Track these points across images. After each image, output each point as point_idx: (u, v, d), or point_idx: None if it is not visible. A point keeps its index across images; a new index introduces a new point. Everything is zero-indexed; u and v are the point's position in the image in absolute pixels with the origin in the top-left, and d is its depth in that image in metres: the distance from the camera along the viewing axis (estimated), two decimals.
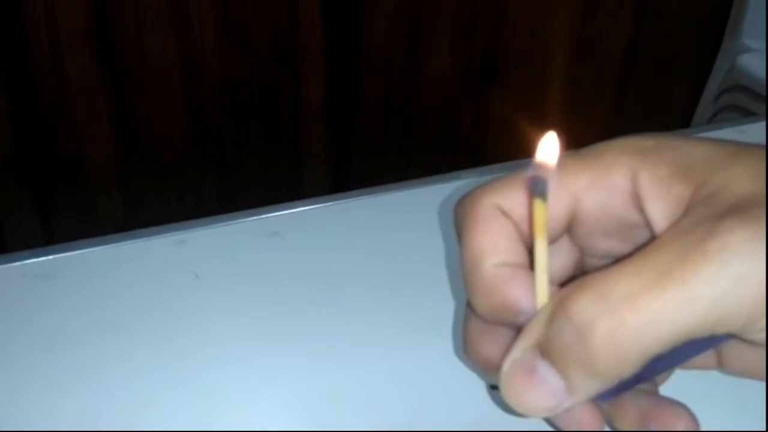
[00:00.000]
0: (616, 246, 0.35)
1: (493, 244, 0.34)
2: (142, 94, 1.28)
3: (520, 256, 0.34)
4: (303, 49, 1.35)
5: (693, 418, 0.34)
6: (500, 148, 1.63)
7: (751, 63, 1.57)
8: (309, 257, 0.60)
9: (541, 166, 0.33)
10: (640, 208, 0.33)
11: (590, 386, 0.29)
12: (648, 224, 0.32)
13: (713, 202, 0.29)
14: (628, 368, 0.28)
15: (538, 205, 0.32)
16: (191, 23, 1.26)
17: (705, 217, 0.29)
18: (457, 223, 0.36)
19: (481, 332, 0.36)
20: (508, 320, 0.33)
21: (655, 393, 0.36)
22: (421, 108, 1.51)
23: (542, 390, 0.30)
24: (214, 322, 0.54)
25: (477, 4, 1.44)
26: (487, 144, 1.62)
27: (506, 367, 0.31)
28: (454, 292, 0.57)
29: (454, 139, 1.59)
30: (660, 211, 0.32)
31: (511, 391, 0.31)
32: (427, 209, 0.64)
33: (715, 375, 0.40)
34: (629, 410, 0.35)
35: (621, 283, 0.28)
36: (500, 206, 0.34)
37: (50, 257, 0.59)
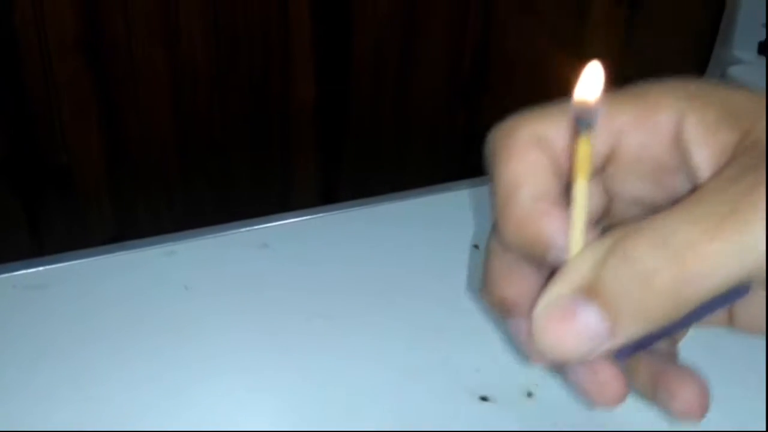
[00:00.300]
0: (648, 191, 0.34)
1: (530, 174, 0.32)
2: (133, 102, 1.28)
3: (557, 192, 0.32)
4: (293, 55, 1.35)
5: (703, 386, 0.34)
6: None
7: (742, 74, 1.58)
8: (299, 269, 0.60)
9: (586, 101, 0.31)
10: (683, 152, 0.32)
11: (636, 331, 0.29)
12: (690, 169, 0.32)
13: (758, 151, 0.29)
14: (680, 313, 0.28)
15: (583, 142, 0.30)
16: (181, 31, 1.26)
17: (750, 166, 0.28)
18: (493, 150, 0.35)
19: (504, 273, 0.35)
20: (536, 255, 0.32)
21: (672, 353, 0.36)
22: (411, 113, 1.51)
23: (582, 332, 0.29)
24: (203, 333, 0.54)
25: (468, 9, 1.45)
26: (479, 150, 1.63)
27: (542, 307, 0.30)
28: (447, 299, 0.57)
29: (446, 145, 1.59)
30: (705, 157, 0.31)
31: (545, 333, 0.30)
32: (417, 220, 0.64)
33: (715, 375, 0.40)
34: (642, 371, 0.35)
35: (681, 231, 0.28)
36: (541, 136, 0.33)
37: (40, 268, 0.58)
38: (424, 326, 0.55)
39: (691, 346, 0.51)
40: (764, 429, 0.48)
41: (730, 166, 0.29)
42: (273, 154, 1.45)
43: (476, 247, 0.62)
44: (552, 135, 0.33)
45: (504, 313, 0.36)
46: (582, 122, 0.30)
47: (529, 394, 0.51)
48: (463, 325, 0.55)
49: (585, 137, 0.30)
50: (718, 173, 0.30)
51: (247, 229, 0.63)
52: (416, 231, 0.63)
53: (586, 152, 0.30)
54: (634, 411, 0.50)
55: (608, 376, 0.33)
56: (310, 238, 0.63)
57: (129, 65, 1.25)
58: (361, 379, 0.51)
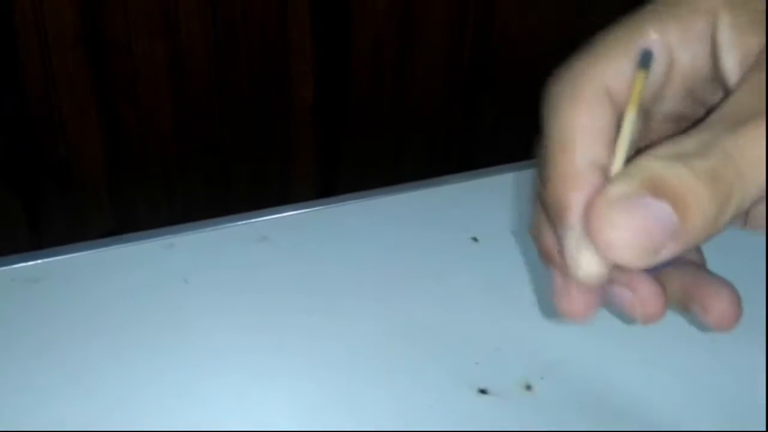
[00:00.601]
0: (683, 106, 0.33)
1: (590, 132, 0.31)
2: (132, 98, 1.28)
3: (611, 151, 0.31)
4: (293, 53, 1.35)
5: (734, 295, 0.33)
6: (491, 151, 1.63)
7: None
8: (298, 262, 0.60)
9: (648, 35, 0.30)
10: (715, 58, 0.31)
11: (702, 232, 0.27)
12: (721, 75, 0.31)
13: None
14: (737, 214, 0.27)
15: (639, 77, 0.30)
16: (180, 27, 1.26)
17: None
18: (555, 95, 0.32)
19: (545, 221, 0.34)
20: (560, 221, 0.31)
21: (701, 261, 0.36)
22: (410, 110, 1.51)
23: (652, 226, 0.27)
24: (203, 326, 0.54)
25: (467, 6, 1.44)
26: (477, 147, 1.63)
27: (604, 200, 0.27)
28: (445, 297, 0.57)
29: (444, 141, 1.59)
30: (734, 62, 0.30)
31: (608, 227, 0.27)
32: (416, 213, 0.64)
33: (714, 378, 0.40)
34: (674, 283, 0.34)
35: (723, 138, 0.27)
36: (608, 87, 0.31)
37: (39, 261, 0.58)
38: (423, 319, 0.55)
39: (692, 346, 0.52)
40: (764, 429, 0.48)
41: (759, 70, 0.28)
42: (272, 150, 1.45)
43: (475, 239, 0.62)
44: (618, 85, 0.31)
45: (545, 261, 0.34)
46: (643, 56, 0.30)
47: (528, 387, 0.51)
48: (463, 319, 0.55)
49: (642, 73, 0.30)
50: (742, 80, 0.29)
51: (246, 222, 0.63)
52: (415, 224, 0.63)
53: (640, 86, 0.30)
54: (633, 406, 0.50)
55: (648, 292, 0.32)
56: (309, 231, 0.63)
57: (128, 61, 1.25)
58: (360, 371, 0.51)
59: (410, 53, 1.45)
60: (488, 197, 0.67)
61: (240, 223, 0.63)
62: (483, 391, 0.50)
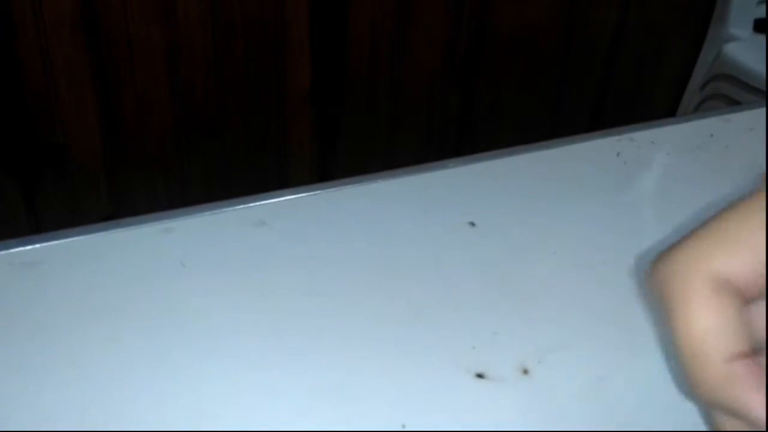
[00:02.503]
0: None
1: (719, 329, 0.29)
2: (129, 82, 1.28)
3: (748, 339, 0.29)
4: (289, 35, 1.35)
5: None
6: (487, 135, 1.63)
7: (737, 52, 1.58)
8: (296, 246, 0.60)
9: None
10: None
11: None
12: None
13: None
14: None
15: None
16: (178, 12, 1.25)
17: None
18: (667, 294, 0.31)
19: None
20: (738, 416, 0.30)
21: None
22: (407, 94, 1.50)
23: None
24: (200, 310, 0.54)
25: None
26: (473, 130, 1.62)
27: None
28: (445, 282, 0.57)
29: (441, 125, 1.59)
30: None
31: None
32: (413, 197, 0.64)
33: None
34: None
35: None
36: (721, 275, 0.29)
37: (37, 245, 0.58)
38: (420, 303, 0.55)
39: None
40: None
41: None
42: (269, 134, 1.45)
43: (472, 224, 0.62)
44: (734, 271, 0.29)
45: None
46: None
47: (525, 372, 0.51)
48: (459, 303, 0.55)
49: None
50: None
51: (244, 206, 0.63)
52: (412, 208, 0.63)
53: None
54: (630, 391, 0.50)
55: None
56: (307, 215, 0.63)
57: (126, 46, 1.25)
58: (356, 355, 0.51)
59: (407, 38, 1.45)
60: (485, 182, 0.67)
61: (237, 207, 0.63)
62: (480, 376, 0.50)
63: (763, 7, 1.60)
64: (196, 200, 0.64)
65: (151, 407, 0.48)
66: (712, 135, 0.73)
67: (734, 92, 1.55)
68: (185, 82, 1.33)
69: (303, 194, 0.65)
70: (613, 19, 1.58)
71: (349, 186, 0.66)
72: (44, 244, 0.59)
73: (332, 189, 0.66)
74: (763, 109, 0.76)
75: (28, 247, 0.58)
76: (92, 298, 0.55)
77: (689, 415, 0.47)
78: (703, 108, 1.65)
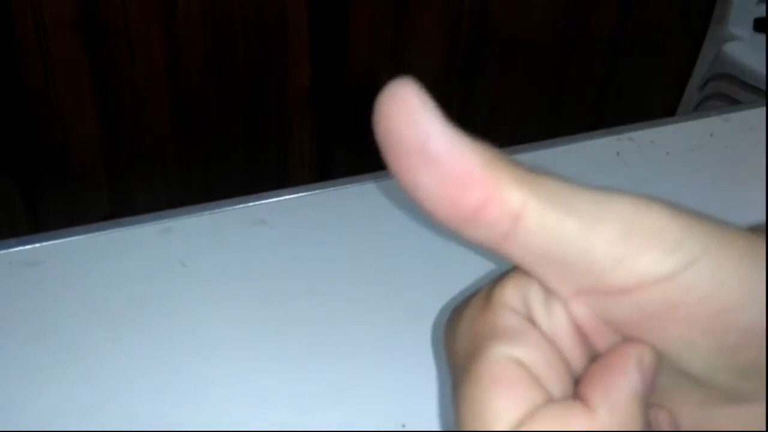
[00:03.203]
0: None
1: (512, 409, 0.25)
2: (128, 81, 1.28)
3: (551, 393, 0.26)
4: (289, 36, 1.35)
5: None
6: (487, 135, 1.63)
7: (737, 51, 1.58)
8: (295, 245, 0.60)
9: None
10: None
11: None
12: None
13: None
14: None
15: None
16: (178, 11, 1.25)
17: None
18: (457, 362, 0.29)
19: None
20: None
21: None
22: None
23: None
24: (200, 309, 0.54)
25: None
26: (473, 130, 1.62)
27: None
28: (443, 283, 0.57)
29: None
30: None
31: None
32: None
33: None
34: None
35: None
36: (518, 361, 0.27)
37: (37, 245, 0.58)
38: (421, 302, 0.55)
39: None
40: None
41: None
42: (269, 134, 1.45)
43: None
44: (531, 360, 0.27)
45: None
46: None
47: None
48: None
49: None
50: None
51: (244, 205, 0.63)
52: (412, 208, 0.63)
53: None
54: None
55: None
56: (307, 214, 0.63)
57: (126, 46, 1.25)
58: (356, 355, 0.52)
59: (407, 37, 1.45)
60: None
61: (237, 206, 0.63)
62: None
63: (763, 6, 1.60)
64: (196, 200, 0.64)
65: (151, 407, 0.48)
66: (712, 135, 0.73)
67: (734, 92, 1.55)
68: (185, 82, 1.32)
69: (303, 194, 0.65)
70: (613, 19, 1.58)
71: (349, 186, 0.66)
72: (44, 244, 0.59)
73: (332, 189, 0.66)
74: (763, 109, 0.76)
75: (28, 247, 0.58)
76: (92, 298, 0.55)
77: None
78: (703, 107, 1.65)
